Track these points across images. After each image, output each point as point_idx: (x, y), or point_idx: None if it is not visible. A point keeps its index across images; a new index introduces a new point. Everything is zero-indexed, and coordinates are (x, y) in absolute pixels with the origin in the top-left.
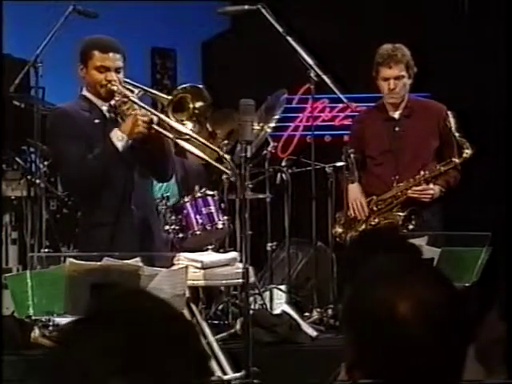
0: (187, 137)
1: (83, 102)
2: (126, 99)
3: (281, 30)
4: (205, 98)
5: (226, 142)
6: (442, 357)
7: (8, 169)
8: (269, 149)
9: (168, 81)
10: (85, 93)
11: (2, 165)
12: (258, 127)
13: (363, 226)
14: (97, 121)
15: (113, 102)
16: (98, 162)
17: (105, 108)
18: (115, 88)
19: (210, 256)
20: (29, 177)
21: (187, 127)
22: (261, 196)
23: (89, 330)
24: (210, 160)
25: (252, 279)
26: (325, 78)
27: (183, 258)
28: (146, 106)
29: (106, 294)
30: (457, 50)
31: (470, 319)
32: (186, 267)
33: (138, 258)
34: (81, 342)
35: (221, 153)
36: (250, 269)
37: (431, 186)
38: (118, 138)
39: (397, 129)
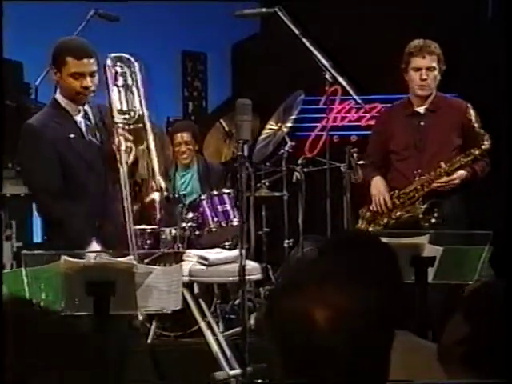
0: None
1: (55, 110)
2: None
3: (297, 32)
4: None
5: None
6: (360, 366)
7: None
8: (286, 148)
9: (198, 83)
10: (58, 96)
11: (1, 165)
12: (275, 127)
13: (385, 220)
14: (71, 135)
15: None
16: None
17: (78, 118)
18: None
19: (217, 253)
20: None
21: None
22: (277, 194)
23: None
24: None
25: (259, 276)
26: (340, 79)
27: (192, 255)
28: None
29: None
30: (483, 50)
31: (393, 325)
32: (181, 265)
33: (131, 256)
34: None
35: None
36: (258, 266)
37: (455, 175)
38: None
39: (422, 123)
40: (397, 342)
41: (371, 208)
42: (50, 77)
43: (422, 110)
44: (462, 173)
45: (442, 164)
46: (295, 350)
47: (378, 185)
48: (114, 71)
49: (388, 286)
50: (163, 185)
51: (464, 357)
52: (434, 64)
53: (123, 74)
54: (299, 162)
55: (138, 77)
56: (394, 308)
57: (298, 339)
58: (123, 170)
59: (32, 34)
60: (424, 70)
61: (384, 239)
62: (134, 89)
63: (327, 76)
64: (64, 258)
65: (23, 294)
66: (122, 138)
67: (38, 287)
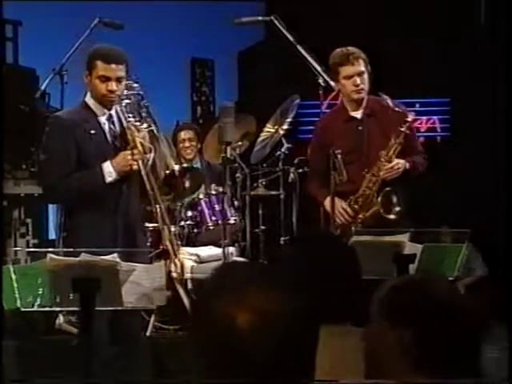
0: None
1: (83, 110)
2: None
3: (292, 39)
4: None
5: (240, 143)
6: (285, 366)
7: (17, 168)
8: (282, 150)
9: (206, 88)
10: (88, 99)
11: (2, 164)
12: (272, 129)
13: (353, 228)
14: (93, 131)
15: (112, 112)
16: (80, 183)
17: (103, 119)
18: (115, 100)
19: (208, 251)
20: None
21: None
22: (274, 193)
23: None
24: None
25: None
26: (332, 84)
27: (184, 252)
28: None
29: None
30: (475, 54)
31: (317, 328)
32: (165, 263)
33: (115, 254)
34: None
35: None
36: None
37: (396, 161)
38: (109, 173)
39: (360, 128)
40: (340, 338)
41: (336, 223)
42: (56, 82)
43: (358, 114)
44: (401, 161)
45: (381, 152)
46: (219, 351)
47: (330, 201)
48: None
49: (319, 284)
50: (176, 167)
51: (395, 358)
52: (363, 68)
53: (127, 97)
54: (294, 162)
55: (141, 98)
56: (325, 308)
57: (220, 341)
58: (146, 170)
59: (45, 42)
60: (356, 76)
61: (367, 237)
62: (142, 106)
63: (320, 81)
64: (49, 255)
65: (12, 290)
66: (137, 138)
67: (25, 284)
